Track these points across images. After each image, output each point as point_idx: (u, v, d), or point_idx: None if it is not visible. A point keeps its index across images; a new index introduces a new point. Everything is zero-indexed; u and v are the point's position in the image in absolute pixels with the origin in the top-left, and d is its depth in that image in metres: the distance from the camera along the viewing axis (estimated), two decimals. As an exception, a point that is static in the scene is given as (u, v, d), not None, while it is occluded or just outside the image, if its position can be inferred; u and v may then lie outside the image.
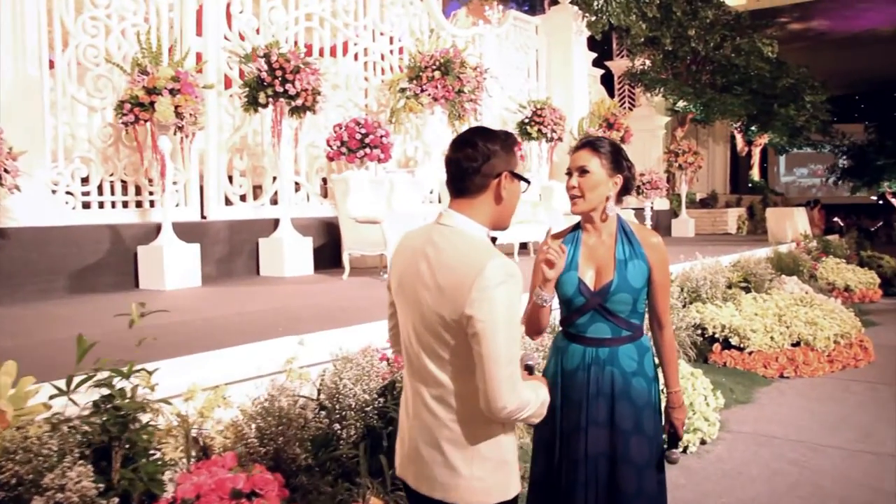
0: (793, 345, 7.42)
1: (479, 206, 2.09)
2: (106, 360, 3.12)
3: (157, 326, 4.93)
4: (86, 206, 8.16)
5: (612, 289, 2.64)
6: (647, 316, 2.80)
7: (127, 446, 2.99)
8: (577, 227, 2.81)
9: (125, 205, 8.51)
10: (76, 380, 2.97)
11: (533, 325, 2.73)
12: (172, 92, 7.31)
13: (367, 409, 3.65)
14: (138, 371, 3.17)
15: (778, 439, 5.25)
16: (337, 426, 3.59)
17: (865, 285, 12.31)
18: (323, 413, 3.63)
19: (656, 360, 2.82)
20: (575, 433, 2.68)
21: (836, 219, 24.40)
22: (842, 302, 9.81)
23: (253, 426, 3.37)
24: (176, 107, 7.32)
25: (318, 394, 3.84)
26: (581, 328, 2.71)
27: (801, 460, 4.85)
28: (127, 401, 3.02)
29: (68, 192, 8.00)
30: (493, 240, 2.18)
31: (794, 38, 27.22)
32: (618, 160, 2.69)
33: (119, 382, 3.12)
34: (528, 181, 2.16)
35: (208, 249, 8.46)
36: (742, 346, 7.27)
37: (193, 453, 3.43)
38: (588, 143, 2.70)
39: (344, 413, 3.63)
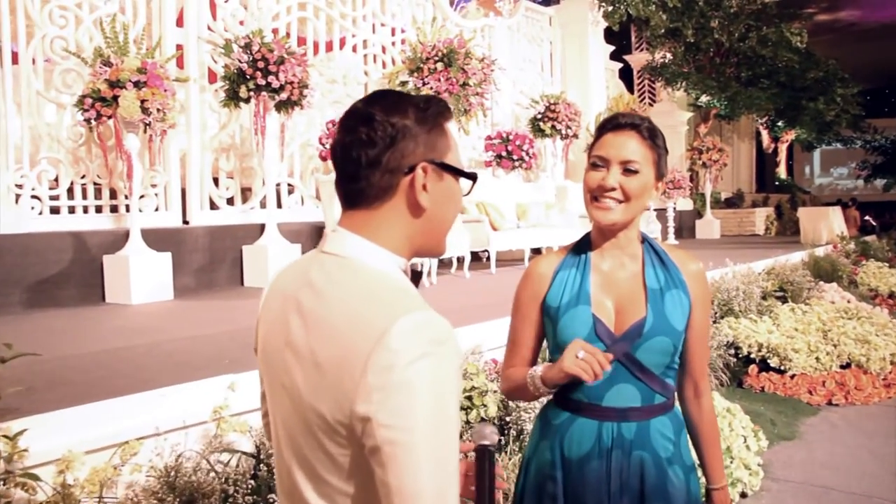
0: (842, 366, 6.49)
1: (386, 220, 1.24)
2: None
3: (82, 356, 4.20)
4: (55, 211, 7.43)
5: (647, 330, 1.80)
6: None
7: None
8: (581, 243, 1.95)
9: (98, 210, 7.77)
10: None
11: (512, 393, 1.95)
12: (138, 85, 6.53)
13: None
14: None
15: (836, 492, 4.32)
16: (273, 497, 2.77)
17: (912, 291, 11.28)
18: (253, 483, 2.80)
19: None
20: None
21: (867, 217, 23.29)
22: (887, 311, 8.87)
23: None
24: (142, 101, 6.54)
25: (258, 451, 3.03)
26: (595, 393, 1.83)
27: (867, 523, 3.96)
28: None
29: (34, 197, 7.26)
30: (416, 276, 1.35)
31: (822, 29, 26.16)
32: (664, 158, 1.88)
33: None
34: (470, 176, 1.31)
35: (186, 258, 7.70)
36: (783, 368, 6.35)
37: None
38: (634, 126, 1.84)
39: (284, 481, 2.80)
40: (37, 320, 5.94)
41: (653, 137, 1.84)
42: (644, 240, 1.91)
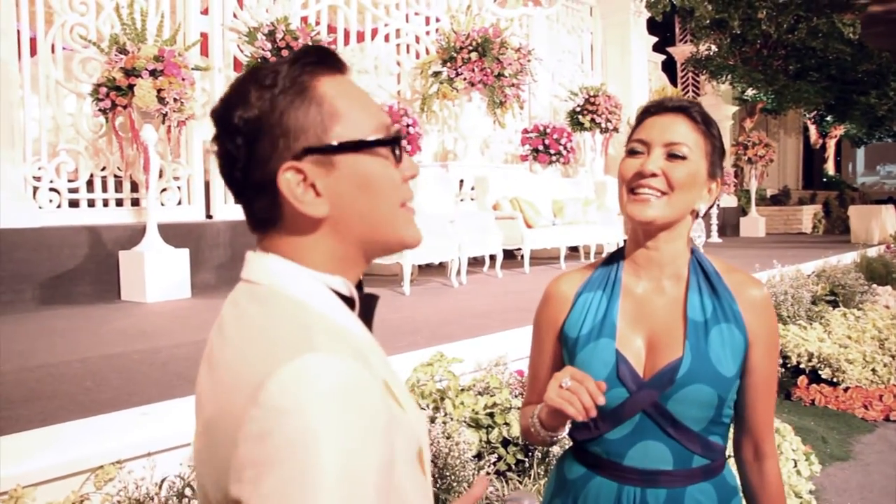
0: (901, 379, 6.03)
1: (297, 236, 0.90)
2: None
3: (72, 364, 3.84)
4: (73, 204, 7.21)
5: (681, 375, 1.39)
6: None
7: None
8: (613, 258, 1.56)
9: (119, 203, 7.54)
10: None
11: (525, 434, 1.56)
12: (154, 73, 6.26)
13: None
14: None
15: (899, 525, 3.93)
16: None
17: (972, 294, 10.72)
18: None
19: None
20: None
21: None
22: (945, 317, 8.33)
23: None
24: (158, 90, 6.26)
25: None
26: (616, 449, 1.45)
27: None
28: None
29: (52, 189, 7.05)
30: (368, 301, 0.97)
31: (874, 21, 25.31)
32: (720, 152, 1.47)
33: None
34: (386, 141, 0.91)
35: (207, 254, 7.43)
36: (835, 380, 5.89)
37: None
38: (683, 109, 1.45)
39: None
40: (45, 319, 5.70)
41: (706, 123, 1.45)
42: (694, 257, 1.51)
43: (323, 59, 0.91)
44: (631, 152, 1.46)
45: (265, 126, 0.86)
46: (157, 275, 6.52)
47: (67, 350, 4.35)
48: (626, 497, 1.43)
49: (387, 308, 5.34)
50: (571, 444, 1.57)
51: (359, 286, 0.96)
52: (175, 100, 6.33)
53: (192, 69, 6.71)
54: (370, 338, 0.93)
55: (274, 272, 0.89)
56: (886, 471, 4.66)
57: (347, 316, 0.91)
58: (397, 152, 0.93)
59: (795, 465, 4.02)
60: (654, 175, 1.41)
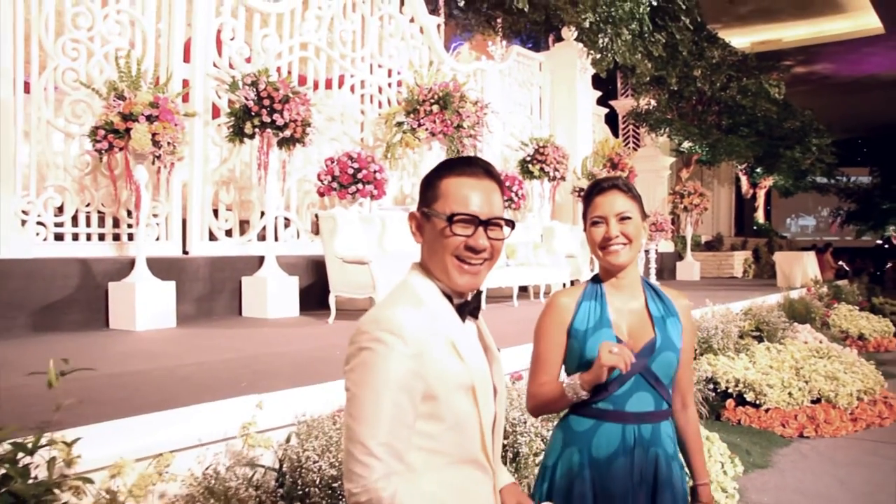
0: (812, 401, 6.85)
1: (424, 253, 1.80)
2: (13, 427, 2.58)
3: (102, 378, 4.38)
4: (59, 237, 7.68)
5: (657, 346, 2.23)
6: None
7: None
8: (594, 282, 2.37)
9: (101, 237, 8.03)
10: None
11: (545, 406, 2.34)
12: (150, 119, 6.84)
13: (335, 485, 3.10)
14: (49, 443, 2.61)
15: (806, 516, 4.67)
16: (298, 504, 3.04)
17: (880, 334, 11.78)
18: (281, 491, 3.07)
19: None
20: None
21: (840, 262, 23.86)
22: (856, 351, 9.23)
23: (193, 508, 2.81)
24: (153, 135, 6.84)
25: (280, 465, 3.29)
26: (620, 401, 2.22)
27: (834, 543, 4.26)
28: (32, 481, 2.46)
29: (40, 223, 7.52)
30: (462, 304, 1.78)
31: (799, 81, 26.96)
32: (642, 202, 2.36)
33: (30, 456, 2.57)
34: (447, 217, 1.72)
35: (187, 287, 7.94)
36: (758, 402, 6.70)
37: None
38: (615, 186, 2.30)
39: (307, 490, 3.08)
40: (43, 343, 6.12)
41: (631, 189, 2.31)
42: (644, 279, 2.36)
43: (443, 168, 1.76)
44: (594, 223, 2.30)
45: (421, 191, 1.74)
46: (146, 305, 7.03)
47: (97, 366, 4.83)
48: (629, 433, 2.21)
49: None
50: (570, 410, 2.29)
51: (476, 295, 1.78)
52: (168, 143, 6.91)
53: (183, 115, 7.30)
54: (449, 313, 1.71)
55: (409, 272, 1.75)
56: (798, 475, 5.45)
57: (438, 300, 1.71)
58: (452, 226, 1.70)
59: (722, 467, 4.74)
60: (616, 237, 2.25)
